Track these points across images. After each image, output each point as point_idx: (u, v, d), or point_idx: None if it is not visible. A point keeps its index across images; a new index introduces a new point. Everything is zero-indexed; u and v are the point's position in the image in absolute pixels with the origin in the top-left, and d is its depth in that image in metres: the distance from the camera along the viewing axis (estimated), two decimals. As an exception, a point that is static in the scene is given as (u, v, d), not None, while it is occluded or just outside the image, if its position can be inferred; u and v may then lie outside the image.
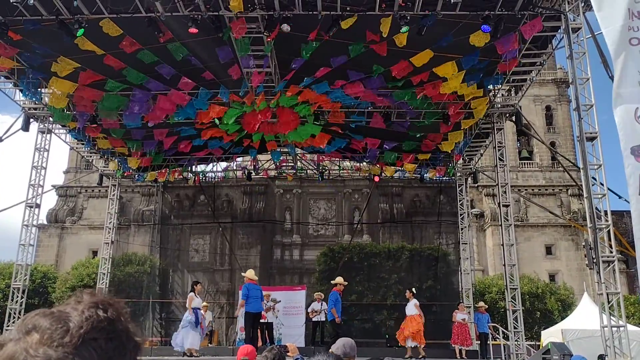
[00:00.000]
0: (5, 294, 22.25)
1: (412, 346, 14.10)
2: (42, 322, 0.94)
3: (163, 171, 21.19)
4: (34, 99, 16.21)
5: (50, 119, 17.17)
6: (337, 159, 22.55)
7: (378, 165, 20.84)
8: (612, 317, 11.13)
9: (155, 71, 13.72)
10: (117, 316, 0.99)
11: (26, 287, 16.87)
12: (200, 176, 23.51)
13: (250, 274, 14.00)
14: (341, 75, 13.99)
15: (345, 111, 16.20)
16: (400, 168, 20.94)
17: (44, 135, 17.73)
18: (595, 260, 10.98)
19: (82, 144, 19.50)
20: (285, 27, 11.66)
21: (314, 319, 16.23)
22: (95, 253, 36.20)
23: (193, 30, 11.58)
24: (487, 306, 17.35)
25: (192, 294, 13.63)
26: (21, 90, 16.07)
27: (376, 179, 22.02)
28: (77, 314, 0.95)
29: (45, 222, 44.41)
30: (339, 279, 14.69)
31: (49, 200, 51.91)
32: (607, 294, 11.16)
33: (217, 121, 16.01)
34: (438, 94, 14.40)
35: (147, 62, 13.17)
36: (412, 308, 14.36)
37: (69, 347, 0.90)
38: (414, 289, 15.12)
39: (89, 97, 14.87)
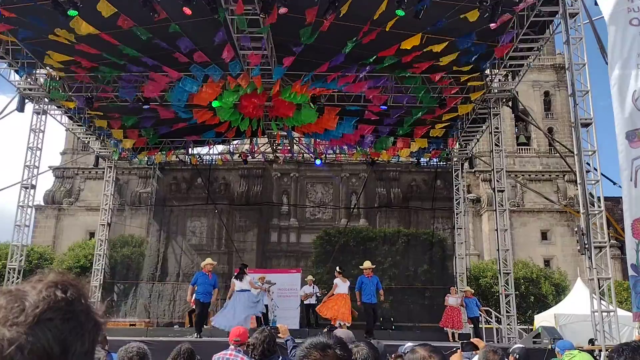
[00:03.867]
0: (2, 275, 22.32)
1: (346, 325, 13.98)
2: (0, 300, 0.95)
3: (155, 151, 21.10)
4: (29, 78, 16.13)
5: (46, 99, 17.08)
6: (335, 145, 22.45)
7: (370, 151, 20.85)
8: (602, 302, 11.23)
9: (151, 50, 13.63)
10: (76, 297, 0.99)
11: (22, 268, 16.92)
12: (197, 158, 23.46)
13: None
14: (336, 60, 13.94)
15: (342, 104, 16.33)
16: (396, 155, 20.93)
17: (39, 116, 17.64)
18: (587, 246, 11.04)
19: (79, 126, 19.43)
20: (282, 10, 11.58)
21: (305, 302, 16.35)
22: (92, 234, 36.27)
23: (187, 10, 11.47)
24: (472, 290, 17.44)
25: (249, 277, 13.73)
26: (16, 71, 15.97)
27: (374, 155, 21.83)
28: (35, 293, 0.96)
29: (42, 204, 44.43)
30: (367, 264, 14.67)
31: (46, 182, 51.94)
32: (598, 279, 11.25)
33: (213, 104, 15.95)
34: (433, 74, 14.37)
35: (144, 39, 13.01)
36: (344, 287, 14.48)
37: (23, 327, 0.90)
38: (338, 268, 15.10)
39: (85, 65, 14.78)
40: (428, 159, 21.84)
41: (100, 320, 1.03)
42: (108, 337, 7.20)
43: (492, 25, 12.11)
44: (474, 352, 5.08)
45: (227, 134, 19.14)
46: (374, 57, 13.58)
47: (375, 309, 14.24)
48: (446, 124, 17.48)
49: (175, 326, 18.30)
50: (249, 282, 13.64)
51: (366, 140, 19.23)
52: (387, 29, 11.88)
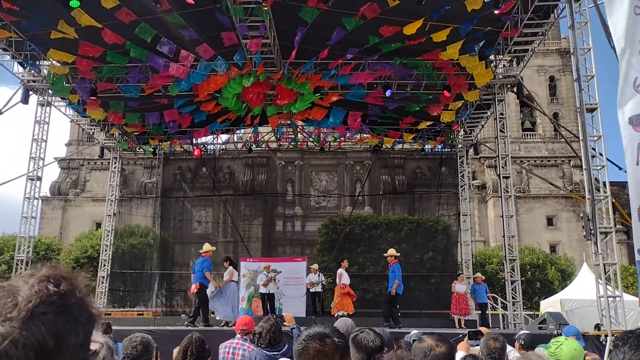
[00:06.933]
0: (10, 266, 22.51)
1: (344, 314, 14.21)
2: None
3: (160, 140, 21.11)
4: (32, 70, 16.12)
5: (50, 91, 17.08)
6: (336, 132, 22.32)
7: (372, 136, 20.76)
8: (608, 287, 11.22)
9: (155, 46, 13.57)
10: (69, 290, 0.99)
11: (30, 259, 17.03)
12: (202, 148, 23.41)
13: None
14: (340, 48, 13.81)
15: (345, 92, 16.23)
16: (398, 139, 20.80)
17: (44, 107, 17.67)
18: (592, 231, 11.01)
19: (83, 117, 19.46)
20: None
21: (311, 290, 16.43)
22: (98, 225, 36.43)
23: (190, 0, 11.40)
24: (484, 277, 17.49)
25: (230, 269, 14.03)
26: (20, 63, 15.96)
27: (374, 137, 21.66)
28: (27, 287, 0.96)
29: (48, 195, 44.64)
30: (391, 251, 14.65)
31: (52, 173, 52.14)
32: (604, 265, 11.23)
33: (217, 94, 15.89)
34: (439, 61, 14.26)
35: (148, 40, 12.96)
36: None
37: (17, 322, 0.91)
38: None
39: (87, 68, 14.73)
40: (434, 146, 21.73)
41: (94, 312, 1.03)
42: (115, 327, 7.25)
43: (497, 11, 12.00)
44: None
45: (234, 124, 19.07)
46: (377, 40, 13.43)
47: (387, 296, 14.36)
48: (452, 111, 17.33)
49: (182, 315, 18.39)
50: (229, 272, 13.96)
51: (367, 126, 19.14)
52: (391, 5, 11.69)
